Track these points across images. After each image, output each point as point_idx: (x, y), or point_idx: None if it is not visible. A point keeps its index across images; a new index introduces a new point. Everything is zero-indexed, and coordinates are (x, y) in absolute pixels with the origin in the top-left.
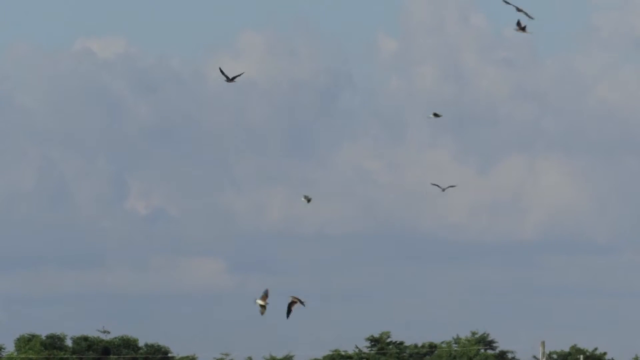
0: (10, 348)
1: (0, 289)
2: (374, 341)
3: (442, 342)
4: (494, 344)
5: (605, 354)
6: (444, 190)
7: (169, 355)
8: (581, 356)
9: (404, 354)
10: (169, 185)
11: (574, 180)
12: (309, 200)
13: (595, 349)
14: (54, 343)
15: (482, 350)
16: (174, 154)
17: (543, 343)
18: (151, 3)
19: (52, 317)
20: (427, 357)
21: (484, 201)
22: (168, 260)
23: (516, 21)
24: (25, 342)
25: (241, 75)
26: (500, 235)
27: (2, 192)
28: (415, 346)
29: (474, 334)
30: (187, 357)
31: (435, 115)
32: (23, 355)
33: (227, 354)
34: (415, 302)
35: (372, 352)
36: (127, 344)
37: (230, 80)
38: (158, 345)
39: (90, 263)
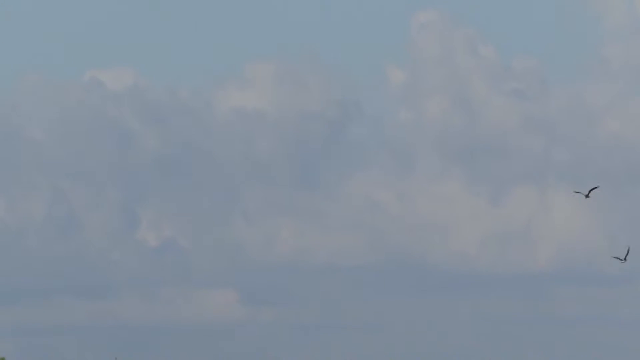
0: None
1: (11, 319)
2: None
3: None
4: None
5: None
6: (587, 195)
7: None
8: None
9: None
10: (179, 216)
11: (585, 210)
12: None
13: None
14: None
15: None
16: (184, 185)
17: None
18: (160, 35)
19: (63, 348)
20: None
21: (495, 232)
22: (179, 291)
23: None
24: None
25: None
26: (511, 266)
27: (12, 224)
28: None
29: None
30: None
31: None
32: None
33: None
34: (425, 333)
35: None
36: None
37: None
38: None
39: (101, 294)
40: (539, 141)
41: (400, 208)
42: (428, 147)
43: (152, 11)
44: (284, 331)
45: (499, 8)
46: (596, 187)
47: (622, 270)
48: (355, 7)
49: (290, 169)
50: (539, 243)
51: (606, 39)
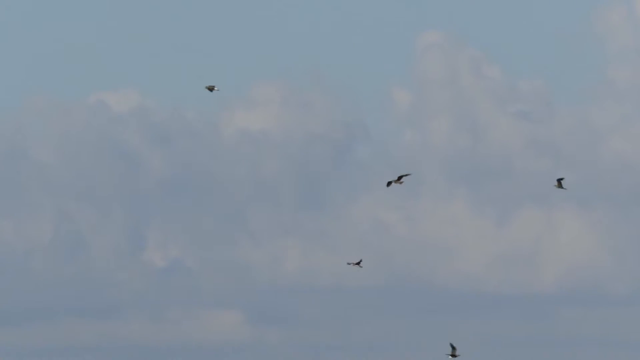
0: None
1: (18, 340)
2: None
3: None
4: None
5: None
6: (399, 181)
7: None
8: None
9: None
10: (186, 237)
11: (591, 231)
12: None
13: None
14: None
15: None
16: (190, 206)
17: None
18: (165, 56)
19: None
20: None
21: (501, 253)
22: (185, 312)
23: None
24: None
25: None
26: (516, 287)
27: (19, 245)
28: None
29: None
30: None
31: None
32: None
33: None
34: (431, 353)
35: None
36: None
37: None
38: None
39: (108, 315)
40: (545, 162)
41: (406, 229)
42: (434, 168)
43: (158, 33)
44: (290, 351)
45: (504, 29)
46: (407, 175)
47: (629, 291)
48: (360, 28)
49: (296, 190)
50: (544, 264)
51: (611, 61)
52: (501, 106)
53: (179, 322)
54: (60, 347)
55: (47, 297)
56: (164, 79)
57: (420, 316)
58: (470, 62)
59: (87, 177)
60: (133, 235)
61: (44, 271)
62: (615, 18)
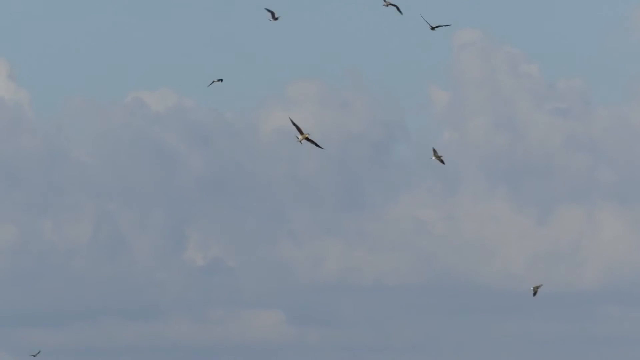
0: None
1: (59, 341)
2: None
3: None
4: None
5: None
6: None
7: None
8: None
9: None
10: (226, 237)
11: (631, 229)
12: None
13: None
14: None
15: None
16: (230, 205)
17: None
18: (203, 56)
19: None
20: None
21: (541, 252)
22: (226, 312)
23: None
24: None
25: None
26: (557, 286)
27: (59, 245)
28: None
29: None
30: None
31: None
32: None
33: None
34: (472, 352)
35: None
36: None
37: None
38: None
39: (148, 315)
40: (584, 161)
41: (446, 228)
42: (473, 167)
43: (195, 32)
44: (331, 351)
45: (542, 27)
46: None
47: None
48: (397, 27)
49: (336, 190)
50: (585, 263)
51: None
52: (539, 104)
53: (219, 322)
54: (100, 347)
55: (88, 298)
56: (201, 78)
57: (461, 315)
58: (508, 61)
59: (126, 177)
60: (173, 235)
61: (84, 272)
62: None
